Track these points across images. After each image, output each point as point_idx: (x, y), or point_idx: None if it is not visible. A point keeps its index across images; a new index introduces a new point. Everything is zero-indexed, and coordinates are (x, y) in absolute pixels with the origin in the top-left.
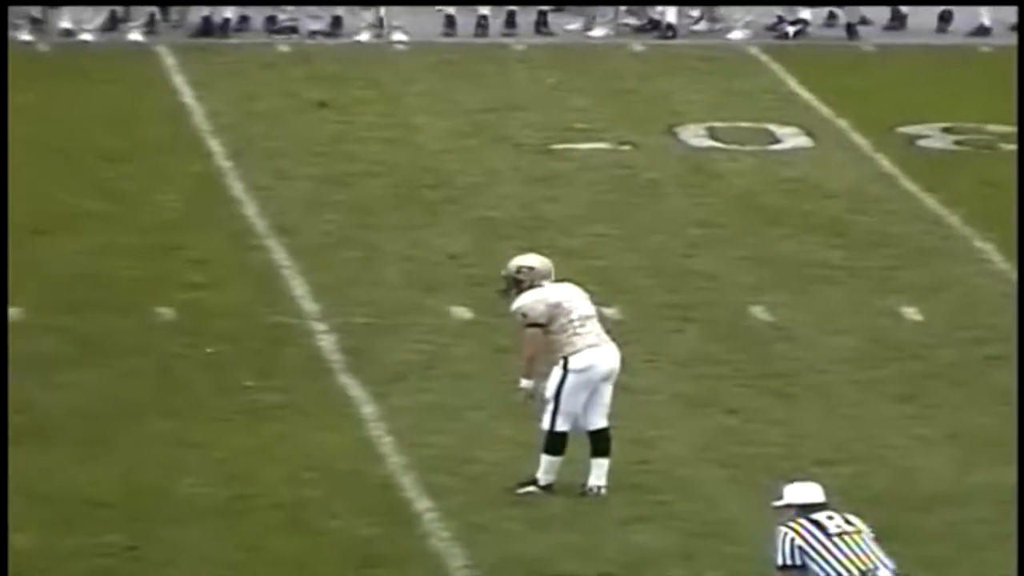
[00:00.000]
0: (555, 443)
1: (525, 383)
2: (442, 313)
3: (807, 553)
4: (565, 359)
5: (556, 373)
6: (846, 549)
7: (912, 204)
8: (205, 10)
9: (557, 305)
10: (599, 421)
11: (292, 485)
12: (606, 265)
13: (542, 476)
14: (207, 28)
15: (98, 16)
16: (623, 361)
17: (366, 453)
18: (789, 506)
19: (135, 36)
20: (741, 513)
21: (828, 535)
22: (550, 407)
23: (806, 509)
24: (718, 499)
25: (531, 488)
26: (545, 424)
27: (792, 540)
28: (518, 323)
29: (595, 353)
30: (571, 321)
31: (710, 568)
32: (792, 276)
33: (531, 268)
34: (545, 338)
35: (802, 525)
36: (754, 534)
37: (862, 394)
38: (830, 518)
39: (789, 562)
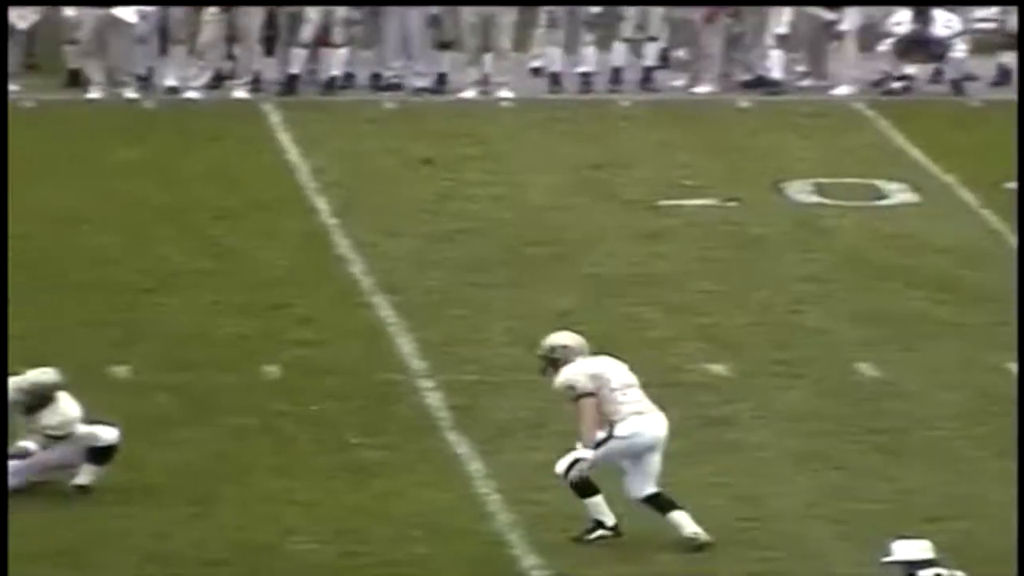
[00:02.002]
0: (584, 487)
1: (586, 455)
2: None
3: None
4: (611, 425)
5: (600, 437)
6: None
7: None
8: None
9: (598, 376)
10: (649, 487)
11: (400, 543)
12: (714, 322)
13: (601, 517)
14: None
15: (203, 74)
16: (733, 417)
17: (474, 511)
18: (898, 563)
19: (240, 93)
20: (850, 570)
21: None
22: (584, 463)
23: (915, 566)
24: (827, 555)
25: (600, 532)
26: (572, 473)
27: None
28: (567, 398)
29: (641, 421)
30: (613, 390)
31: None
32: (899, 332)
33: (565, 346)
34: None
35: None
36: None
37: (971, 450)
38: (939, 575)
39: None
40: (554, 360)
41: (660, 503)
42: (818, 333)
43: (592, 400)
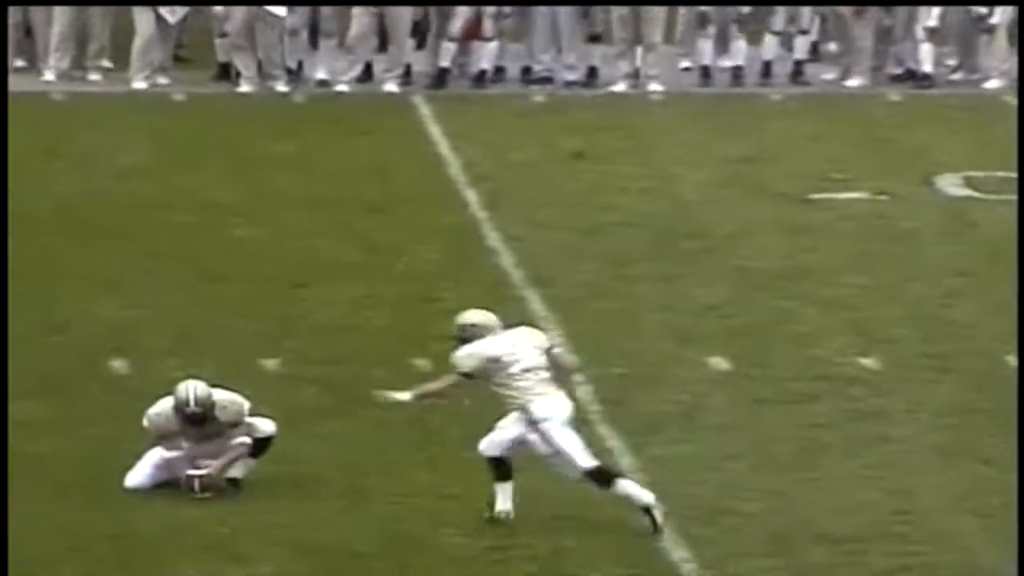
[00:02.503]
0: (503, 471)
1: (403, 396)
2: (700, 364)
3: None
4: (525, 410)
5: (526, 425)
6: None
7: None
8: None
9: (495, 360)
10: (588, 460)
11: (549, 535)
12: (865, 316)
13: (500, 503)
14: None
15: (354, 67)
16: (884, 410)
17: (624, 504)
18: None
19: (390, 87)
20: (998, 564)
21: None
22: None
23: None
24: (976, 549)
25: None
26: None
27: None
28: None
29: (546, 402)
30: (511, 375)
31: None
32: None
33: (474, 324)
34: (490, 389)
35: None
36: None
37: None
38: None
39: None
40: (464, 339)
41: (602, 476)
42: (967, 326)
43: (461, 380)
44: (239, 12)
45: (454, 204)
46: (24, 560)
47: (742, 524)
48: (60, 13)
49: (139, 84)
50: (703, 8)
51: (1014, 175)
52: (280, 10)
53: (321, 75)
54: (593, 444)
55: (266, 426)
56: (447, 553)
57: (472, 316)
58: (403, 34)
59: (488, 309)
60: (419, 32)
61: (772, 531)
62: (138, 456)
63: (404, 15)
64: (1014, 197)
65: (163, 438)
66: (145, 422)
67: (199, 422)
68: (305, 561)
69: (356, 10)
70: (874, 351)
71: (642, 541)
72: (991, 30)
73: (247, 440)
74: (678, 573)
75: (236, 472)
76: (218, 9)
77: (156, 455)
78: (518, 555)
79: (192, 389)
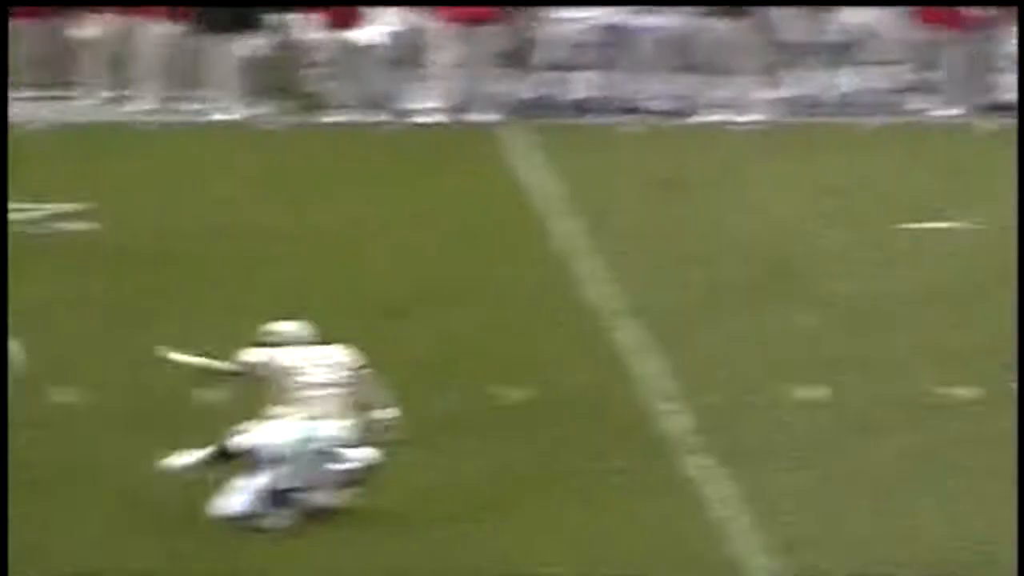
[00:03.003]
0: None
1: (182, 358)
2: (797, 393)
3: None
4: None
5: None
6: None
7: None
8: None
9: (282, 370)
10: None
11: (643, 567)
12: (956, 345)
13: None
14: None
15: (445, 96)
16: (979, 439)
17: (717, 534)
18: None
19: (483, 116)
20: None
21: None
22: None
23: None
24: None
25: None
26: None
27: None
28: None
29: (302, 425)
30: (296, 388)
31: None
32: None
33: (277, 332)
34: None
35: None
36: None
37: None
38: None
39: None
40: (265, 344)
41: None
42: None
43: (242, 370)
44: (330, 41)
45: (549, 232)
46: None
47: (841, 553)
48: (154, 43)
49: (226, 115)
50: (793, 40)
51: None
52: (372, 39)
53: (412, 104)
54: (687, 474)
55: (370, 454)
56: None
57: (278, 326)
58: (495, 62)
59: (585, 338)
60: (515, 61)
61: (871, 559)
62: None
63: (497, 43)
64: None
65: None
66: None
67: None
68: None
69: (446, 38)
70: (968, 380)
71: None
72: None
73: (354, 464)
74: None
75: (340, 499)
76: (309, 38)
77: (255, 481)
78: None
79: None
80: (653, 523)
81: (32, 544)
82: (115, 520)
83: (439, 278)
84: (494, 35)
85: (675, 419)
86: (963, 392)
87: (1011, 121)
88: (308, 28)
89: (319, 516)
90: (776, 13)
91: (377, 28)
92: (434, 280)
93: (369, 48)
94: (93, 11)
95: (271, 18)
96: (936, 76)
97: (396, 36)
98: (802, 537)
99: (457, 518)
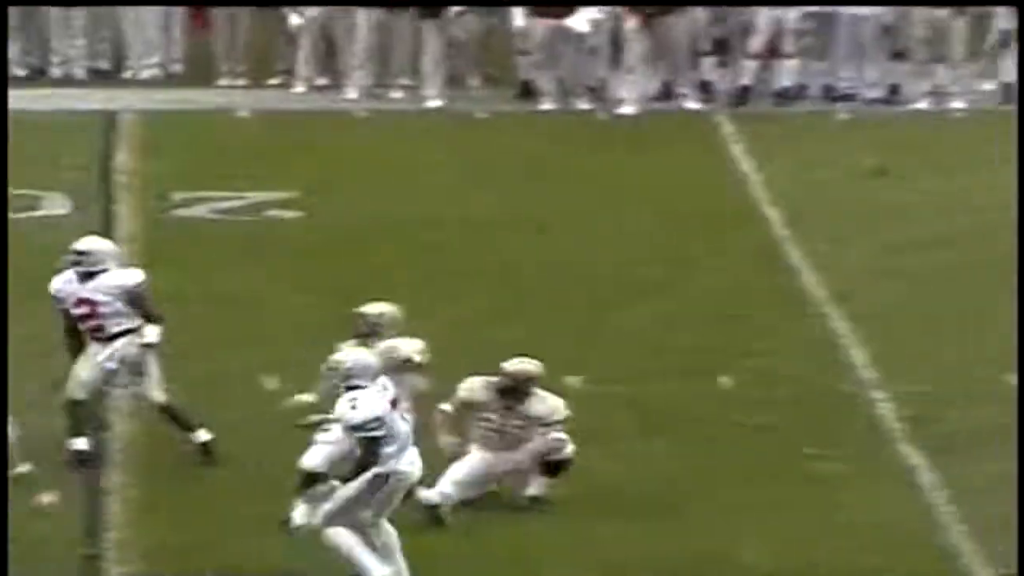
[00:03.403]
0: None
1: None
2: (1002, 381)
3: None
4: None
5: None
6: None
7: None
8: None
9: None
10: None
11: (853, 554)
12: None
13: None
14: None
15: (654, 85)
16: None
17: (927, 522)
18: None
19: (691, 104)
20: None
21: None
22: None
23: None
24: None
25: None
26: None
27: None
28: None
29: None
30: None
31: None
32: None
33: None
34: None
35: None
36: None
37: None
38: None
39: None
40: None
41: None
42: None
43: None
44: (540, 29)
45: (755, 221)
46: None
47: None
48: (363, 30)
49: (433, 103)
50: (1006, 27)
51: None
52: (582, 26)
53: (622, 93)
54: (896, 461)
55: (566, 446)
56: (751, 572)
57: (383, 307)
58: (700, 51)
59: (791, 327)
60: (721, 50)
61: None
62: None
63: (700, 31)
64: None
65: (469, 407)
66: (457, 397)
67: (510, 392)
68: None
69: (633, 31)
70: None
71: (947, 562)
72: None
73: (552, 442)
74: None
75: (535, 490)
76: (519, 25)
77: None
78: (821, 573)
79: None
80: (864, 511)
81: None
82: None
83: (649, 265)
84: (698, 23)
85: (883, 407)
86: None
87: None
88: (518, 15)
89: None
90: None
91: (585, 15)
92: (644, 266)
93: (578, 36)
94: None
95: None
96: None
97: (600, 24)
98: (1011, 523)
99: (668, 503)
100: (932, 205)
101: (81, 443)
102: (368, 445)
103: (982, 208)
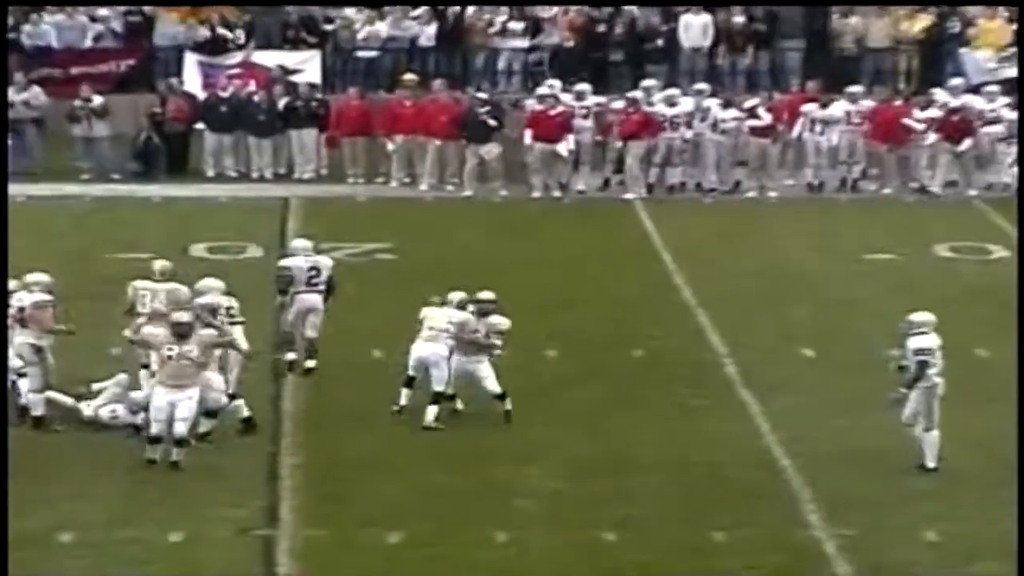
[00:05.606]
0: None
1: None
2: (798, 354)
3: None
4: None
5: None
6: None
7: None
8: None
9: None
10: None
11: (708, 452)
12: None
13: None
14: None
15: (595, 180)
16: None
17: (753, 433)
18: None
19: (625, 195)
20: None
21: None
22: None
23: None
24: None
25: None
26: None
27: None
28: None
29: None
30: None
31: None
32: None
33: (492, 300)
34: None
35: None
36: None
37: None
38: None
39: None
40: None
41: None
42: None
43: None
44: (538, 150)
45: (654, 258)
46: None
47: (828, 443)
48: (431, 152)
49: (467, 192)
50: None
51: (982, 244)
52: (563, 150)
53: (580, 187)
54: (735, 398)
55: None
56: (648, 464)
57: (488, 294)
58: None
59: (674, 321)
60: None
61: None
62: None
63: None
64: (985, 257)
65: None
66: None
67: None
68: None
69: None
70: None
71: (764, 455)
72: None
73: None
74: None
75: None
76: (526, 146)
77: None
78: None
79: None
80: (716, 425)
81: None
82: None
83: (576, 289)
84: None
85: (730, 367)
86: None
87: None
88: (528, 136)
89: None
90: None
91: (566, 144)
92: (574, 288)
93: (562, 156)
94: (390, 131)
95: None
96: None
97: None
98: (802, 438)
99: (593, 421)
100: (758, 248)
101: None
102: None
103: (785, 248)
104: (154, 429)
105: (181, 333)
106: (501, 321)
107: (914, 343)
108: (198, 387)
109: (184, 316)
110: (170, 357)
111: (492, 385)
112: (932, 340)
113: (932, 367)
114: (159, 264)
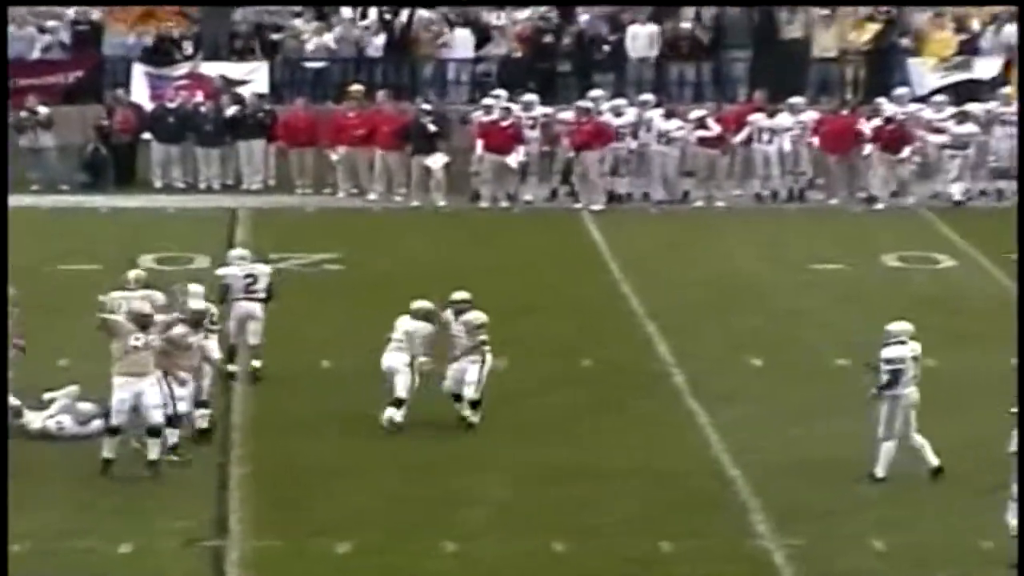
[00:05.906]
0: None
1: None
2: (747, 363)
3: None
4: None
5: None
6: None
7: None
8: None
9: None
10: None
11: (658, 458)
12: None
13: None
14: None
15: (542, 190)
16: None
17: (700, 440)
18: None
19: (571, 205)
20: None
21: None
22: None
23: None
24: None
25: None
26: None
27: None
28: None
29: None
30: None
31: None
32: None
33: (466, 300)
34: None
35: None
36: None
37: None
38: None
39: None
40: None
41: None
42: None
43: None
44: (488, 162)
45: (602, 268)
46: None
47: (780, 452)
48: (378, 161)
49: (414, 202)
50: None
51: (929, 254)
52: (513, 162)
53: (528, 197)
54: (682, 407)
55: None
56: (609, 471)
57: (462, 294)
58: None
59: (620, 331)
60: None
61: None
62: None
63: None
64: (933, 267)
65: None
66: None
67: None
68: None
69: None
70: None
71: (709, 459)
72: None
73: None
74: None
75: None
76: (476, 157)
77: None
78: None
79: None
80: (666, 432)
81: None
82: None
83: (533, 295)
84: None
85: (677, 377)
86: None
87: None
88: (479, 147)
89: None
90: None
91: (516, 156)
92: (531, 296)
93: (512, 167)
94: (335, 141)
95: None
96: None
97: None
98: (752, 447)
99: (564, 426)
100: (705, 258)
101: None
102: None
103: (733, 257)
104: (115, 420)
105: (143, 324)
106: (477, 316)
107: (886, 353)
108: (156, 375)
109: (145, 307)
110: (136, 347)
111: (470, 392)
112: (905, 350)
113: (904, 377)
114: (133, 273)
